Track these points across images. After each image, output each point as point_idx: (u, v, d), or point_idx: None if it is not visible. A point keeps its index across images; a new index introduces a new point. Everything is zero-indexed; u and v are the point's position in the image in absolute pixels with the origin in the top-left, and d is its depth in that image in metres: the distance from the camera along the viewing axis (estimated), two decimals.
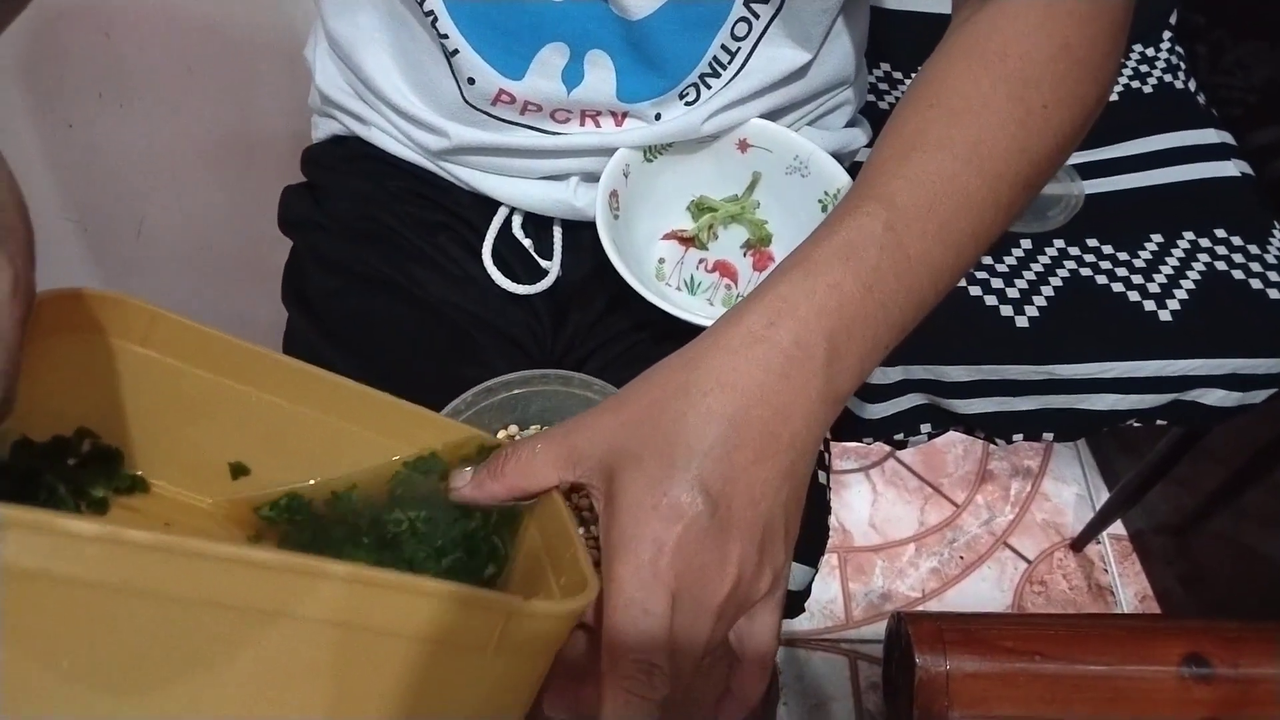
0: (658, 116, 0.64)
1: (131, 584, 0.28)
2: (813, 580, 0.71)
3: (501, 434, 0.54)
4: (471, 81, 0.61)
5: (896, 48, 1.05)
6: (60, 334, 0.38)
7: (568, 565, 0.37)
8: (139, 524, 0.29)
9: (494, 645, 0.32)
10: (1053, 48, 0.45)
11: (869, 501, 1.41)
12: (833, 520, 1.37)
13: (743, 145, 0.66)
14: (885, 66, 1.07)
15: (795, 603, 0.72)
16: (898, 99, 0.71)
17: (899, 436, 0.95)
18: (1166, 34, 1.09)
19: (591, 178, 0.66)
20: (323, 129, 0.75)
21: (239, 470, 0.44)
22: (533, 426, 0.55)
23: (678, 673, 0.35)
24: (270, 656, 0.30)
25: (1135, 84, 1.07)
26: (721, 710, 0.41)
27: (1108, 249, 0.92)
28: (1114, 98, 1.06)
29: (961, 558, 1.36)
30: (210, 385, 0.42)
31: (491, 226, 0.69)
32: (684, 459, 0.36)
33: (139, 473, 0.43)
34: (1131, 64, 1.09)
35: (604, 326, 0.69)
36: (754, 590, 0.38)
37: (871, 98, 1.00)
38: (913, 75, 0.55)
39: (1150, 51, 1.09)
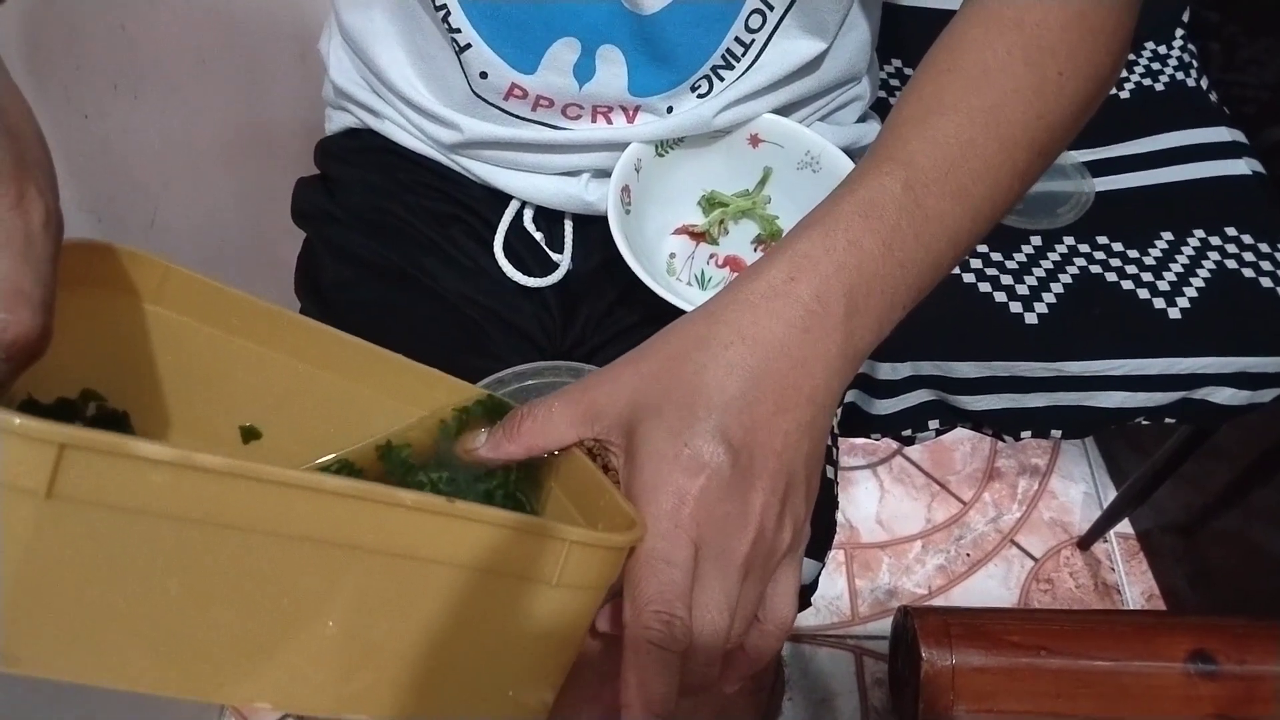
0: (669, 110, 0.64)
1: (193, 513, 0.26)
2: (819, 574, 0.71)
3: None
4: (484, 76, 0.61)
5: (909, 43, 1.05)
6: (69, 287, 0.35)
7: (605, 511, 0.37)
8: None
9: (557, 576, 0.32)
10: (1068, 16, 0.46)
11: (876, 498, 1.42)
12: (840, 516, 1.37)
13: (754, 140, 0.67)
14: (897, 63, 1.07)
15: (803, 596, 0.72)
16: None
17: (907, 432, 0.95)
18: (1179, 31, 1.09)
19: (603, 173, 0.66)
20: (336, 121, 0.75)
21: (250, 434, 0.43)
22: None
23: (702, 631, 0.35)
24: (338, 591, 0.29)
25: (1147, 81, 1.07)
26: (730, 661, 0.40)
27: (1118, 246, 0.92)
28: (1125, 95, 1.06)
29: (968, 555, 1.36)
30: (223, 345, 0.40)
31: (503, 219, 0.69)
32: (705, 410, 0.36)
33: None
34: (1144, 61, 1.08)
35: (614, 320, 0.69)
36: (777, 543, 0.37)
37: (883, 93, 1.00)
38: None
39: (1162, 49, 1.09)
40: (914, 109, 0.45)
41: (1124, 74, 1.08)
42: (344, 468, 0.43)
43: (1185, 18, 1.09)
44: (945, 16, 0.51)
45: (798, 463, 0.38)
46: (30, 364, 0.30)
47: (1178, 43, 1.09)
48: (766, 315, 0.38)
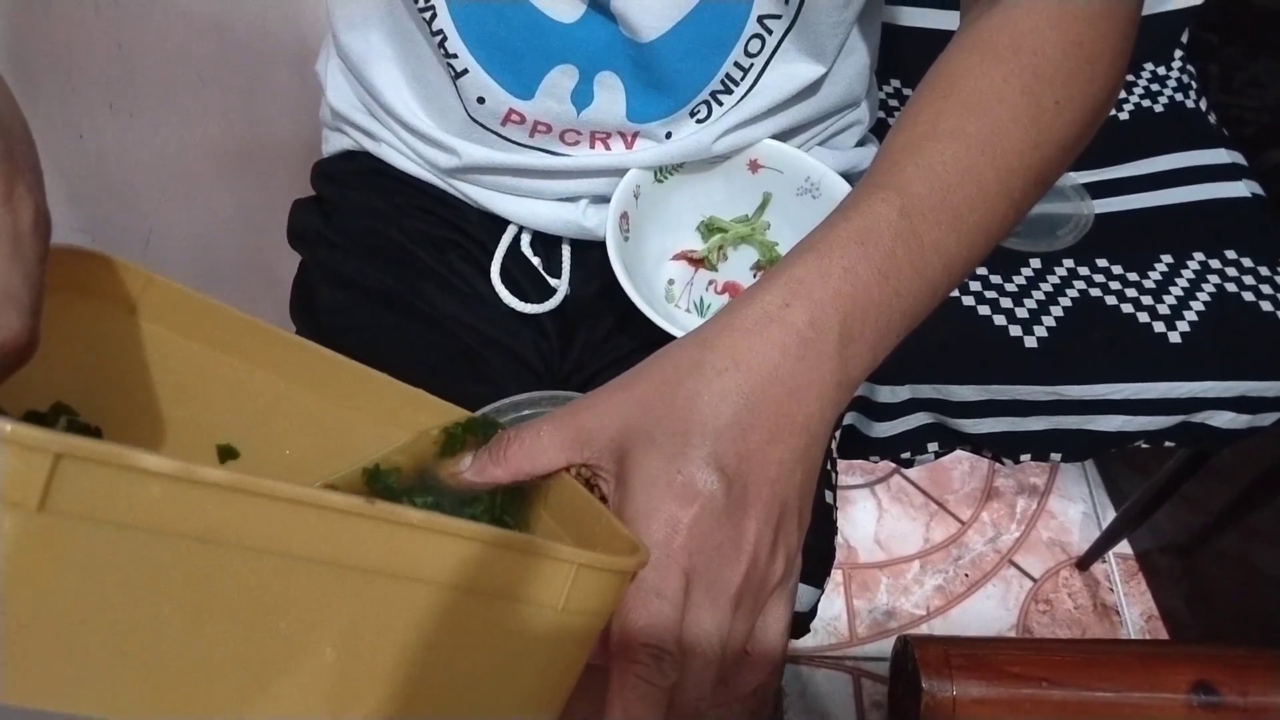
0: (668, 135, 0.63)
1: (194, 530, 0.25)
2: (818, 601, 0.70)
3: None
4: (481, 101, 0.61)
5: (908, 64, 1.05)
6: (44, 293, 0.34)
7: (602, 537, 0.36)
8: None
9: (564, 601, 0.31)
10: (1065, 45, 0.45)
11: (874, 518, 1.41)
12: (837, 538, 1.37)
13: (754, 166, 0.66)
14: (896, 83, 1.07)
15: (801, 623, 0.71)
16: None
17: (906, 455, 0.94)
18: (1178, 53, 1.09)
19: (602, 199, 0.66)
20: (333, 143, 0.75)
21: (227, 453, 0.41)
22: None
23: (693, 663, 0.34)
24: (338, 614, 0.28)
25: (1146, 103, 1.07)
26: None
27: (1117, 269, 0.92)
28: (1124, 117, 1.06)
29: (967, 575, 1.35)
30: (203, 359, 0.39)
31: (500, 245, 0.69)
32: (698, 437, 0.35)
33: None
34: (1142, 83, 1.08)
35: (612, 346, 0.69)
36: (770, 573, 0.37)
37: (882, 114, 1.00)
38: None
39: (1161, 70, 1.09)
40: (910, 135, 0.44)
41: (1123, 95, 1.08)
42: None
43: (1184, 39, 1.09)
44: (944, 37, 0.50)
45: (791, 492, 0.37)
46: (14, 371, 0.29)
47: (1176, 64, 1.09)
48: (761, 341, 0.37)
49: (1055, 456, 0.93)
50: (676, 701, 0.34)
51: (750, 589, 0.36)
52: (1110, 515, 1.40)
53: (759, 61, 0.60)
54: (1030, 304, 0.90)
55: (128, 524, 0.24)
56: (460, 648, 0.31)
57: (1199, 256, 0.93)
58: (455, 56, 0.59)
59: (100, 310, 0.36)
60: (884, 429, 0.91)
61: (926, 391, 0.88)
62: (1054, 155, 0.46)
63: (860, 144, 0.74)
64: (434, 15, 0.57)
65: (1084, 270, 0.92)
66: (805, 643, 1.28)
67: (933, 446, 0.94)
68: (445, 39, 0.58)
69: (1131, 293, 0.90)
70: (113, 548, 0.25)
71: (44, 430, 0.23)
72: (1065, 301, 0.90)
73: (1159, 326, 0.87)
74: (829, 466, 0.74)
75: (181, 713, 0.27)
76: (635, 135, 0.63)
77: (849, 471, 1.45)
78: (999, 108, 0.44)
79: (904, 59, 1.03)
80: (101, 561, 0.25)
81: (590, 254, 0.69)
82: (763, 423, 0.36)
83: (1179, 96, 1.06)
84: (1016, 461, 0.93)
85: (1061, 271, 0.92)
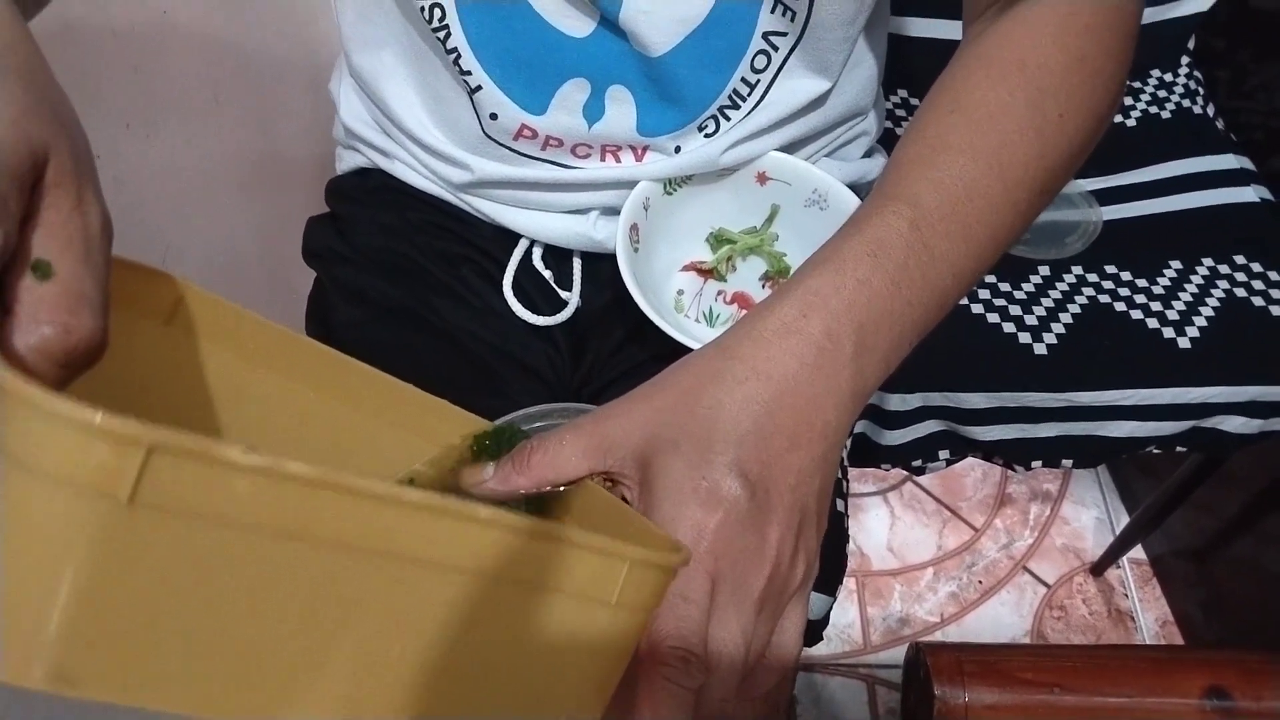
0: (677, 149, 0.64)
1: (274, 524, 0.25)
2: (831, 609, 0.71)
3: None
4: (494, 117, 0.62)
5: (915, 74, 1.06)
6: None
7: (636, 538, 0.35)
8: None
9: (616, 596, 0.31)
10: (1068, 59, 0.46)
11: (887, 525, 1.41)
12: (850, 544, 1.37)
13: (761, 178, 0.67)
14: (903, 93, 1.08)
15: (814, 631, 0.72)
16: None
17: (917, 463, 0.95)
18: (1184, 58, 1.09)
19: (612, 211, 0.67)
20: (347, 161, 0.76)
21: None
22: None
23: (719, 666, 0.35)
24: (404, 607, 0.28)
25: (1153, 109, 1.07)
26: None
27: (1126, 275, 0.92)
28: (1132, 123, 1.06)
29: (980, 582, 1.35)
30: (234, 371, 0.38)
31: (512, 258, 0.69)
32: (722, 444, 0.36)
33: None
34: (1149, 89, 1.09)
35: (623, 357, 0.70)
36: (791, 578, 0.38)
37: (889, 124, 1.01)
38: None
39: (1168, 76, 1.09)
40: (919, 149, 0.45)
41: (1130, 102, 1.08)
42: None
43: (1190, 44, 1.09)
44: (952, 47, 0.51)
45: (810, 498, 0.38)
46: (86, 370, 0.30)
47: (1183, 70, 1.09)
48: (780, 351, 0.38)
49: (1066, 463, 0.93)
50: (702, 703, 0.35)
51: (772, 593, 0.37)
52: (1124, 520, 1.40)
53: (765, 76, 0.61)
54: (1039, 311, 0.90)
55: (210, 517, 0.24)
56: (523, 643, 0.31)
57: (1208, 262, 0.93)
58: (469, 73, 0.60)
59: (132, 320, 0.36)
60: (895, 437, 0.92)
61: (937, 399, 0.88)
62: (1059, 166, 0.47)
63: (867, 155, 0.74)
64: (448, 34, 0.58)
65: (1093, 277, 0.93)
66: (819, 650, 1.28)
67: (944, 454, 0.94)
68: (459, 56, 0.59)
69: (1140, 299, 0.90)
70: (193, 541, 0.24)
71: (138, 422, 0.23)
72: (1074, 308, 0.90)
73: (1168, 332, 0.87)
74: (840, 475, 0.74)
75: (248, 707, 0.28)
76: (645, 148, 0.64)
77: (861, 479, 1.46)
78: (1005, 121, 0.45)
79: (911, 69, 1.04)
80: (181, 555, 0.25)
81: (601, 266, 0.70)
82: (783, 430, 0.37)
83: (1186, 102, 1.06)
84: (1028, 468, 0.93)
85: (1070, 278, 0.93)
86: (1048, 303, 0.91)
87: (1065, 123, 0.46)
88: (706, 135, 0.64)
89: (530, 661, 0.32)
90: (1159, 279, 0.92)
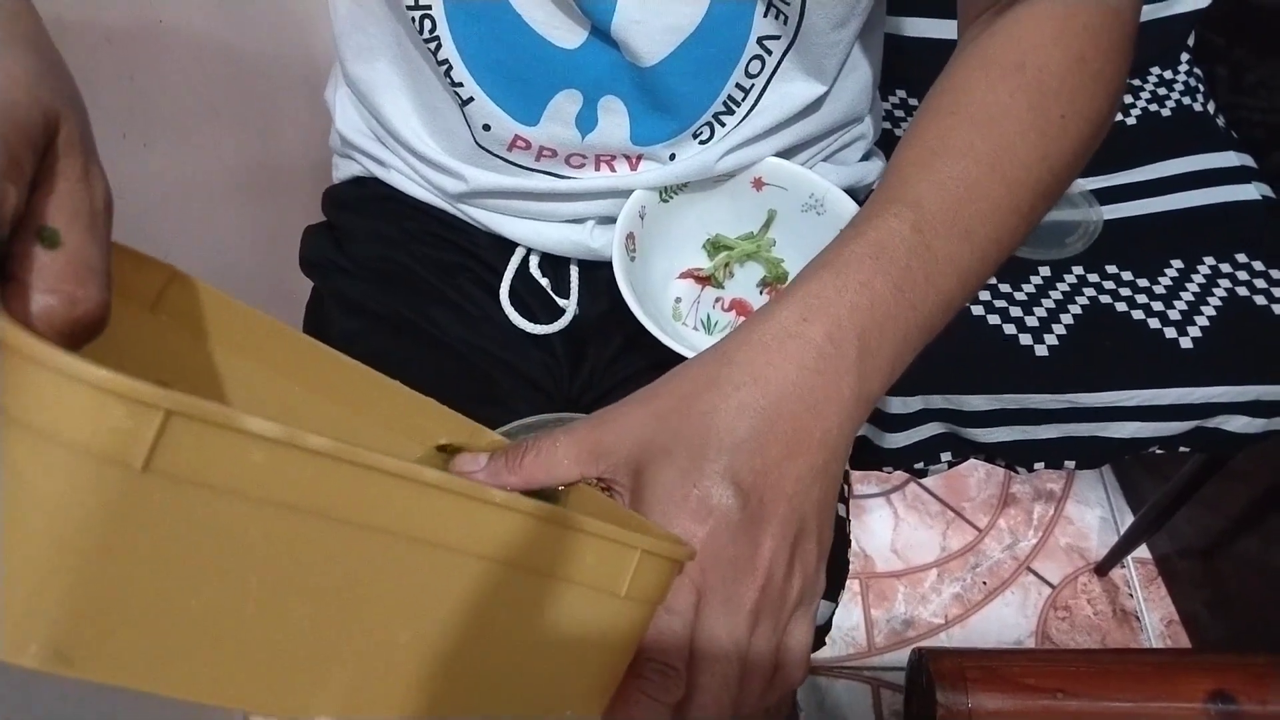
0: (672, 157, 0.64)
1: (287, 498, 0.24)
2: (833, 614, 0.70)
3: None
4: (487, 128, 0.62)
5: (913, 75, 1.05)
6: None
7: (640, 532, 0.35)
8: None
9: (626, 587, 0.31)
10: (1068, 60, 0.46)
11: (890, 526, 1.41)
12: (854, 545, 1.37)
13: (758, 184, 0.67)
14: (901, 93, 1.08)
15: (816, 636, 0.72)
16: None
17: (919, 465, 0.94)
18: (1184, 56, 1.09)
19: (608, 220, 0.66)
20: (343, 170, 0.76)
21: None
22: None
23: (707, 679, 0.34)
24: (414, 591, 0.28)
25: (1153, 107, 1.06)
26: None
27: (1127, 275, 0.92)
28: (1132, 121, 1.06)
29: (984, 583, 1.35)
30: (221, 361, 0.37)
31: (509, 267, 0.69)
32: (715, 452, 0.36)
33: None
34: (1149, 87, 1.08)
35: (622, 365, 0.69)
36: (787, 591, 0.37)
37: (887, 125, 1.01)
38: None
39: (1168, 74, 1.09)
40: (919, 152, 0.45)
41: (1130, 99, 1.07)
42: None
43: (1190, 42, 1.09)
44: (949, 47, 0.51)
45: (809, 508, 0.37)
46: (90, 341, 0.29)
47: (1183, 67, 1.08)
48: (779, 356, 0.38)
49: (1069, 464, 0.93)
50: (693, 715, 0.35)
51: (768, 605, 0.36)
52: (1128, 520, 1.40)
53: (760, 82, 0.61)
54: (1040, 312, 0.90)
55: (224, 489, 0.23)
56: (534, 631, 0.31)
57: (1209, 261, 0.92)
58: (461, 85, 0.60)
59: (118, 304, 0.35)
60: (896, 440, 0.91)
61: (938, 402, 0.88)
62: (1061, 168, 0.46)
63: (864, 159, 0.74)
64: (439, 45, 0.58)
65: (1094, 277, 0.92)
66: (823, 653, 1.28)
67: (946, 456, 0.94)
68: (451, 68, 0.59)
69: (1142, 299, 0.90)
70: (206, 513, 0.24)
71: (153, 385, 0.22)
72: (1075, 309, 0.90)
73: (1170, 332, 0.87)
74: (842, 479, 0.74)
75: (252, 693, 0.27)
76: (639, 157, 0.64)
77: (864, 481, 1.45)
78: (1006, 123, 0.45)
79: (909, 69, 1.03)
80: (193, 527, 0.24)
81: (598, 274, 0.70)
82: (780, 438, 0.36)
83: (1186, 100, 1.06)
84: (1030, 470, 0.93)
85: (1071, 279, 0.92)
86: (1048, 304, 0.90)
87: (1067, 124, 0.46)
88: (701, 142, 0.64)
89: (536, 652, 0.31)
90: (1160, 278, 0.91)
